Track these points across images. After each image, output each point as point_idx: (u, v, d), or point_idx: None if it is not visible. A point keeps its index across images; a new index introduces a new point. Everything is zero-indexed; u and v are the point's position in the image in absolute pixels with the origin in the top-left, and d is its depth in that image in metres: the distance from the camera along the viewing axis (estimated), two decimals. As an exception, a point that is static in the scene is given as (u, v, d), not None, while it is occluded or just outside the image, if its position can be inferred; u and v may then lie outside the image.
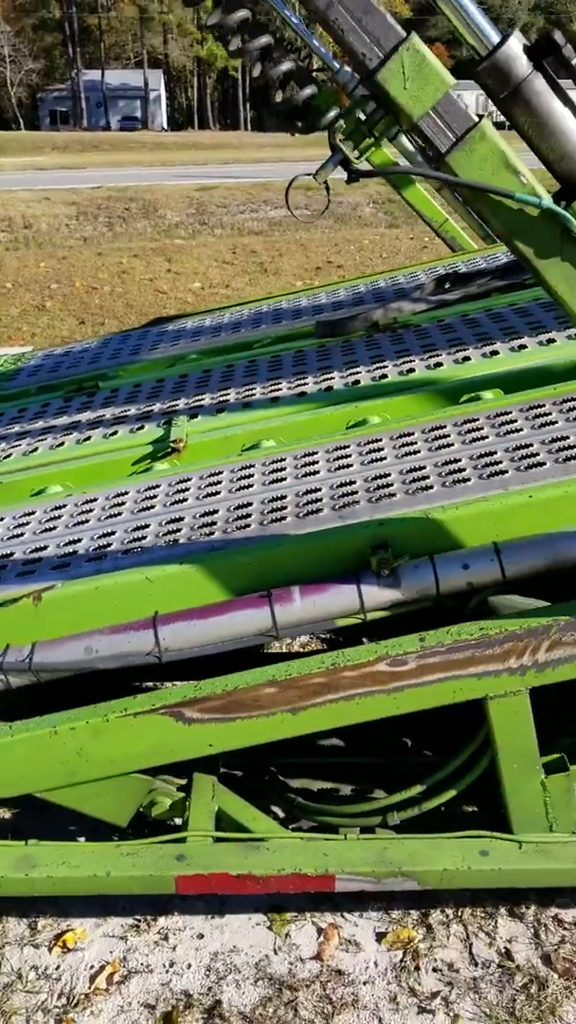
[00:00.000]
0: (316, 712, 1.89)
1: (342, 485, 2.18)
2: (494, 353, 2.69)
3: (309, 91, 1.71)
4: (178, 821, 2.11)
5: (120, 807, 2.07)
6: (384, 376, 2.72)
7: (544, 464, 2.05)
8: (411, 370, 2.72)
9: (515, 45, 1.34)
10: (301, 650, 3.01)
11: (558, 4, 67.59)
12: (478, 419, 2.32)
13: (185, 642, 1.91)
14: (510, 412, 2.31)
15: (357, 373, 2.79)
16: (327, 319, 3.31)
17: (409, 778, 2.14)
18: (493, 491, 2.00)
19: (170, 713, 1.87)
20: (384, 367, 2.78)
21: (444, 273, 3.51)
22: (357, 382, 2.72)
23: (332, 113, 1.39)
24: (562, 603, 1.92)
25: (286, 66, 1.78)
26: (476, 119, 1.38)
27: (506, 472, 2.06)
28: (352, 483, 2.17)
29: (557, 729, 2.30)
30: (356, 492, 2.13)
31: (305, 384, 2.81)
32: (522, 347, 2.68)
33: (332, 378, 2.80)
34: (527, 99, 1.36)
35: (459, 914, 2.15)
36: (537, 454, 2.10)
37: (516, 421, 2.26)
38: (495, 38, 1.35)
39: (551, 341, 2.66)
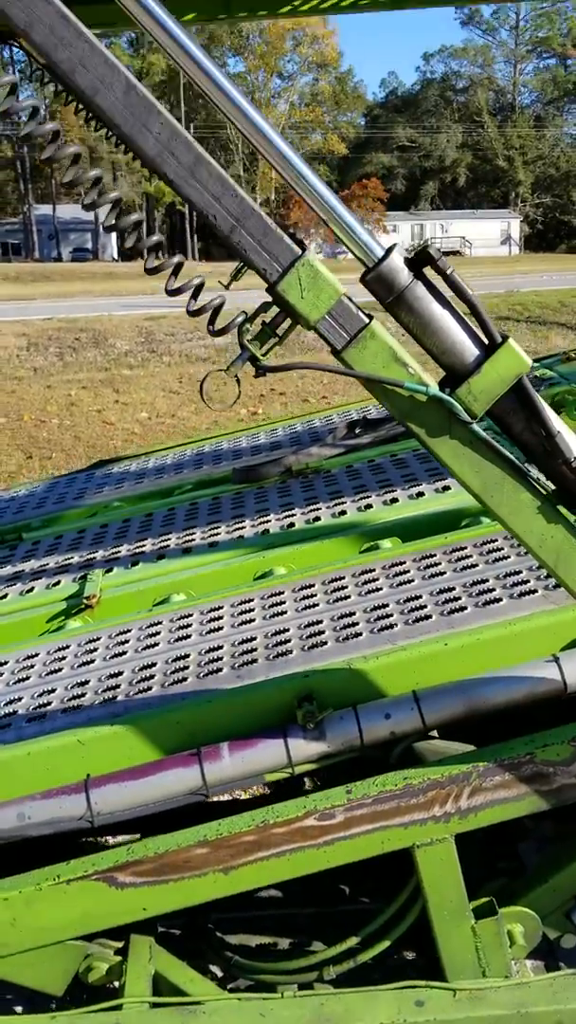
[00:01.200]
0: (248, 870, 1.91)
1: (243, 642, 2.24)
2: (394, 500, 2.84)
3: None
4: (117, 985, 2.09)
5: (55, 975, 2.04)
6: (292, 524, 2.84)
7: (431, 617, 2.15)
8: (317, 518, 2.85)
9: (397, 259, 1.51)
10: (241, 795, 3.01)
11: (483, 142, 72.45)
12: (375, 569, 2.44)
13: (117, 805, 1.93)
14: (404, 562, 2.43)
15: (267, 521, 2.91)
16: (244, 465, 3.44)
17: (347, 928, 2.15)
18: (381, 643, 2.09)
19: (103, 879, 1.88)
20: (293, 515, 2.91)
21: (355, 418, 3.70)
22: (267, 531, 2.84)
23: (239, 318, 1.53)
24: (483, 748, 2.00)
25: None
26: (367, 320, 1.54)
27: (395, 625, 2.16)
28: (253, 639, 2.25)
29: (486, 872, 2.34)
30: (255, 649, 2.20)
31: (218, 533, 2.92)
32: (420, 494, 2.84)
33: (244, 527, 2.91)
34: (410, 304, 1.52)
35: (401, 1070, 2.13)
36: (425, 605, 2.20)
37: (409, 571, 2.38)
38: (379, 252, 1.52)
39: (446, 488, 2.82)
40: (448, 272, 1.50)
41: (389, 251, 1.52)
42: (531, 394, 1.58)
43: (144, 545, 2.96)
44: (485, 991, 2.02)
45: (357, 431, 3.46)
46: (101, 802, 1.93)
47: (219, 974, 2.23)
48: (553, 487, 1.68)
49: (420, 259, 1.51)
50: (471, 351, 1.56)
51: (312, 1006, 2.00)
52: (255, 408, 9.61)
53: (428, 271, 1.54)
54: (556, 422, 1.61)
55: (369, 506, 2.84)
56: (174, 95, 62.66)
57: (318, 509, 2.91)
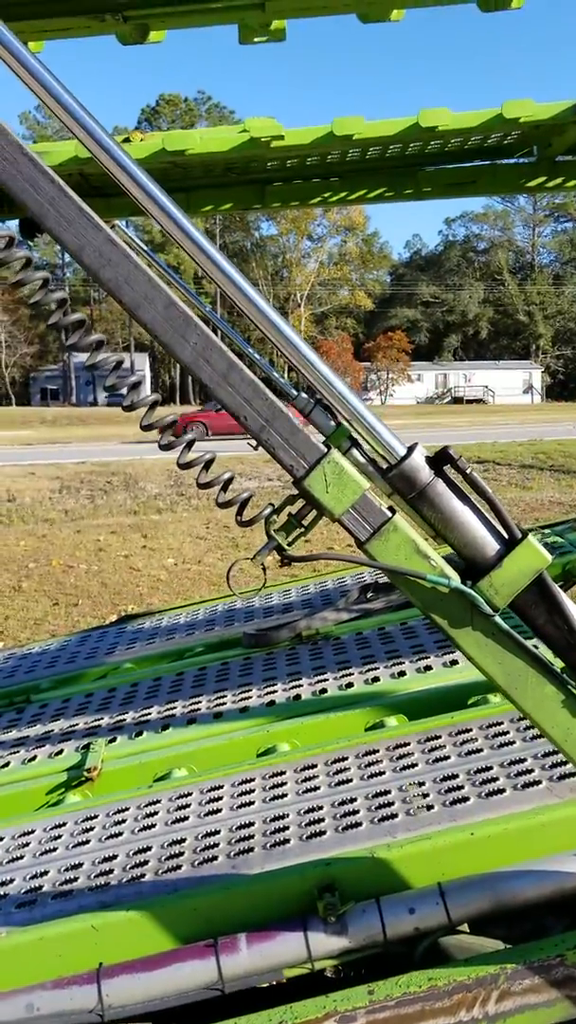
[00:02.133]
0: (263, 1080, 1.81)
1: (241, 828, 2.19)
2: (402, 674, 2.82)
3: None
4: None
5: None
6: (298, 696, 2.81)
7: (434, 807, 2.11)
8: (323, 690, 2.82)
9: (418, 457, 1.57)
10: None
11: (504, 298, 75.51)
12: (378, 750, 2.40)
13: (129, 998, 1.85)
14: (408, 743, 2.39)
15: (274, 691, 2.89)
16: (253, 630, 3.44)
17: None
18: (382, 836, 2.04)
19: None
20: (300, 685, 2.89)
21: (368, 582, 3.73)
22: (273, 702, 2.81)
23: (267, 511, 1.59)
24: (512, 948, 1.92)
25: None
26: (389, 515, 1.59)
27: (397, 815, 2.11)
28: (251, 824, 2.19)
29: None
30: (253, 836, 2.14)
31: (224, 702, 2.89)
32: (428, 667, 2.82)
33: (250, 696, 2.89)
34: (431, 500, 1.57)
35: None
36: (428, 794, 2.16)
37: (413, 754, 2.35)
38: (401, 451, 1.58)
39: (454, 662, 2.81)
40: (467, 471, 1.55)
41: (411, 450, 1.58)
42: (552, 588, 1.60)
43: (150, 712, 2.94)
44: None
45: (369, 595, 3.48)
46: (112, 995, 1.85)
47: None
48: (577, 679, 1.67)
49: (440, 458, 1.57)
50: (492, 546, 1.59)
51: None
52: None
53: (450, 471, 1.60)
54: (577, 615, 1.62)
55: (376, 679, 2.83)
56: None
57: (325, 680, 2.89)
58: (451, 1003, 1.82)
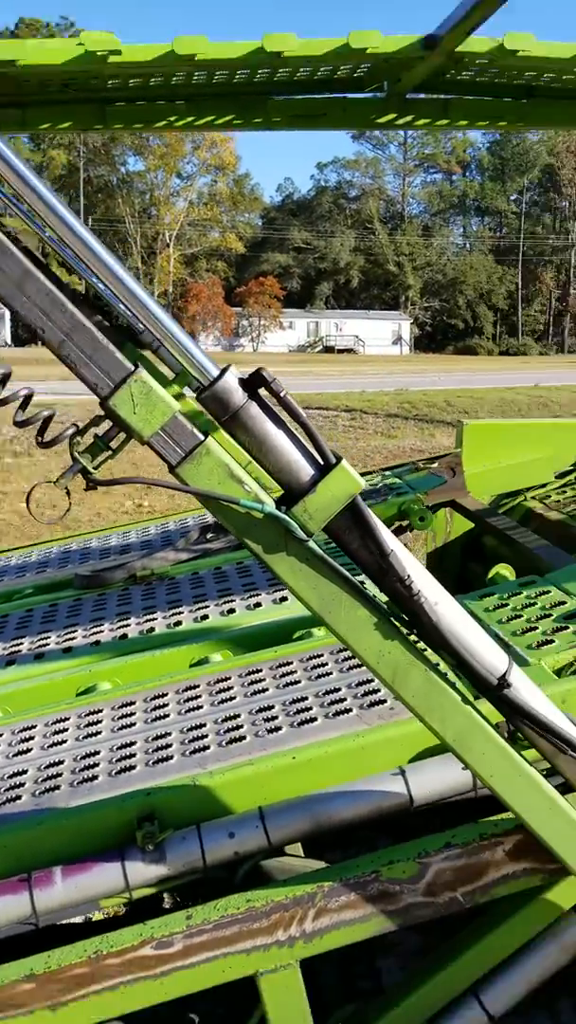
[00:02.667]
0: (79, 1006, 1.79)
1: (50, 766, 2.16)
2: (231, 611, 2.83)
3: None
4: None
5: None
6: (125, 636, 2.78)
7: (246, 738, 2.13)
8: (151, 629, 2.80)
9: (231, 379, 1.53)
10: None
11: (375, 247, 76.04)
12: (199, 685, 2.41)
13: None
14: (229, 678, 2.41)
15: (100, 632, 2.84)
16: (87, 571, 3.37)
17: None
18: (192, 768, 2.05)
19: None
20: (128, 625, 2.86)
21: (210, 522, 3.71)
22: (98, 642, 2.77)
23: (69, 431, 1.51)
24: (330, 866, 1.96)
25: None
26: (201, 437, 1.55)
27: (208, 748, 2.12)
28: (60, 763, 2.17)
29: (345, 993, 2.27)
30: (61, 774, 2.12)
31: (47, 643, 2.83)
32: (257, 604, 2.85)
33: (75, 636, 2.84)
34: (244, 422, 1.54)
35: None
36: (242, 725, 2.18)
37: (232, 688, 2.37)
38: (214, 372, 1.54)
39: (284, 599, 2.84)
40: (282, 394, 1.52)
41: (224, 371, 1.54)
42: (365, 513, 1.60)
43: None
44: None
45: (209, 536, 3.46)
46: None
47: None
48: (389, 604, 1.70)
49: (254, 380, 1.53)
50: (306, 470, 1.58)
51: None
52: (141, 500, 9.55)
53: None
54: (390, 541, 1.63)
55: (206, 616, 2.83)
56: (73, 189, 63.73)
57: (154, 619, 2.86)
58: (269, 923, 1.85)
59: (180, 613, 2.86)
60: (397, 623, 1.69)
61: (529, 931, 2.05)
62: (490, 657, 1.72)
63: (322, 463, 1.59)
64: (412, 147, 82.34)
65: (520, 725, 1.77)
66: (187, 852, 1.90)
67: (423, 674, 1.70)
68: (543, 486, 4.54)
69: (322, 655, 2.44)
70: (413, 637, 1.72)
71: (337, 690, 2.26)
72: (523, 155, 79.63)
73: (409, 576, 1.64)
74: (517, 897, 1.99)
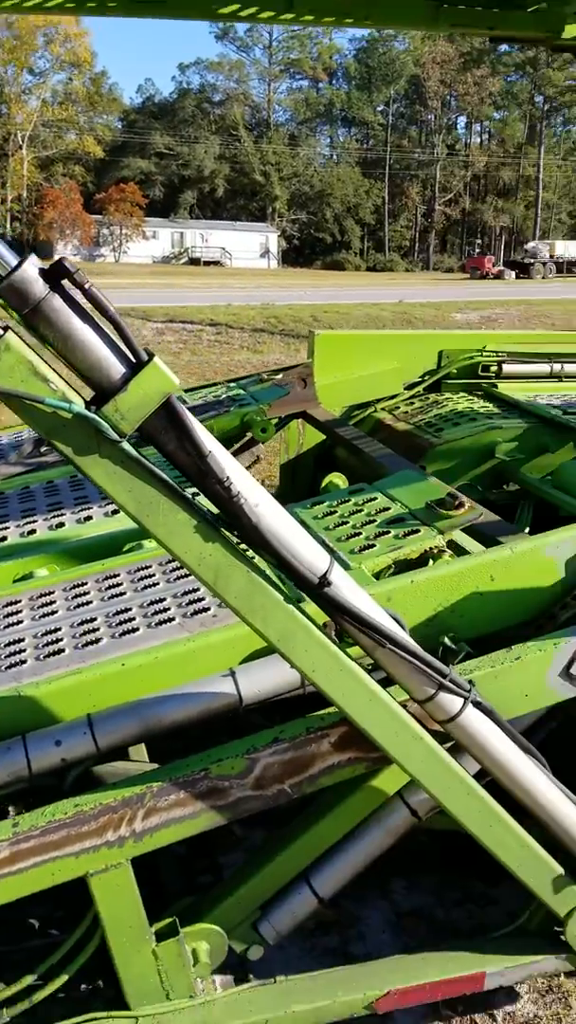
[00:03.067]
0: None
1: None
2: (60, 525, 2.80)
3: None
4: None
5: None
6: None
7: (64, 650, 2.12)
8: None
9: (30, 269, 1.44)
10: None
11: (240, 155, 73.98)
12: (20, 600, 2.38)
13: None
14: (53, 592, 2.39)
15: None
16: None
17: (31, 964, 2.05)
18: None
19: None
20: None
21: (39, 438, 3.60)
22: None
23: None
24: (159, 767, 1.98)
25: None
26: (0, 332, 1.46)
27: (26, 661, 2.10)
28: None
29: (186, 888, 2.33)
30: None
31: None
32: (88, 518, 2.81)
33: None
34: (47, 316, 1.46)
35: None
36: (61, 639, 2.17)
37: (56, 602, 2.35)
38: (12, 261, 1.45)
39: (115, 512, 2.82)
40: (86, 286, 1.45)
41: (23, 260, 1.45)
42: (180, 413, 1.57)
43: None
44: (167, 1014, 2.01)
45: (43, 449, 3.36)
46: None
47: None
48: (210, 507, 1.68)
49: (57, 271, 1.45)
50: (116, 368, 1.52)
51: (-18, 1056, 1.89)
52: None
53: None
54: (209, 442, 1.61)
55: (33, 531, 2.76)
56: None
57: None
58: (97, 825, 1.86)
59: (6, 528, 2.78)
60: (218, 526, 1.68)
61: (355, 818, 2.15)
62: (311, 557, 1.74)
63: (134, 361, 1.53)
64: (277, 51, 79.75)
65: (342, 622, 1.81)
66: (11, 762, 1.88)
67: (245, 575, 1.71)
68: (392, 397, 4.61)
69: (150, 566, 2.43)
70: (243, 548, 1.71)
71: (162, 600, 2.26)
72: (389, 64, 78.48)
73: (228, 477, 1.63)
74: (343, 786, 2.08)
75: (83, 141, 65.16)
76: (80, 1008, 2.02)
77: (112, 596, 2.30)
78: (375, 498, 2.75)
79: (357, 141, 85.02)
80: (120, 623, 2.17)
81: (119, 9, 3.52)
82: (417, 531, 2.47)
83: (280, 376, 4.12)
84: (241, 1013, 2.04)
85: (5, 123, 60.99)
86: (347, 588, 1.80)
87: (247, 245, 69.71)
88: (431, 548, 2.40)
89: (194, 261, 64.43)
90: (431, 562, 2.35)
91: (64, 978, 1.99)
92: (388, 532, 2.48)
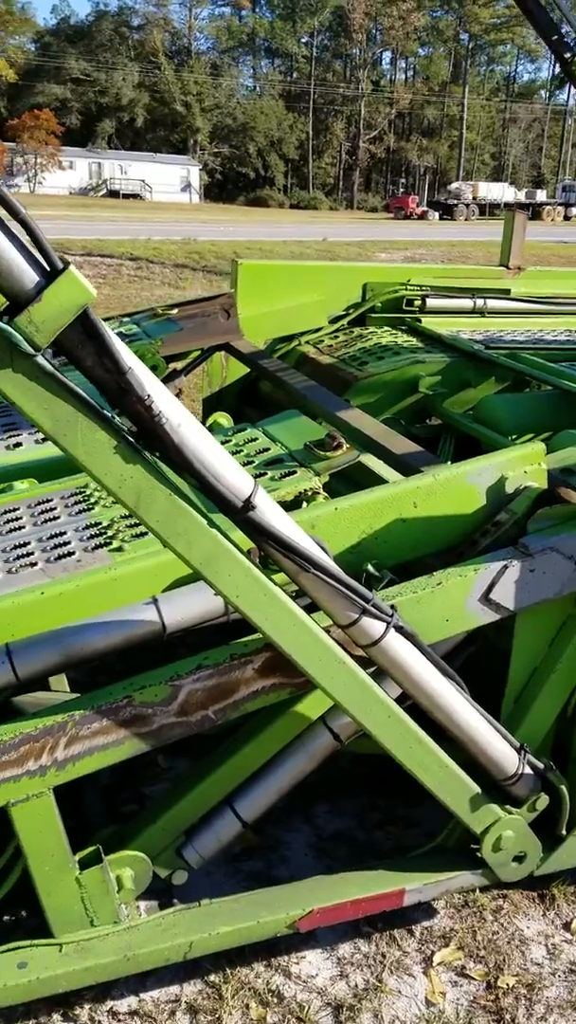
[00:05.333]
0: None
1: None
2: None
3: None
4: None
5: None
6: None
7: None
8: None
9: None
10: None
11: (160, 84, 71.49)
12: None
13: None
14: None
15: None
16: None
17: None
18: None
19: None
20: None
21: None
22: None
23: None
24: (81, 695, 1.94)
25: None
26: None
27: None
28: None
29: (110, 818, 2.32)
30: None
31: None
32: (17, 444, 2.74)
33: None
34: (-46, 219, 1.37)
35: (9, 1033, 2.06)
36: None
37: None
38: None
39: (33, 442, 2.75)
40: (-5, 186, 1.36)
41: None
42: (98, 326, 1.50)
43: None
44: (92, 940, 2.00)
45: None
46: None
47: None
48: (130, 426, 1.63)
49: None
50: (30, 276, 1.44)
51: None
52: None
53: None
54: (128, 358, 1.55)
55: None
56: None
57: None
58: (18, 755, 1.82)
59: None
60: (139, 447, 1.63)
61: (279, 743, 2.16)
62: (235, 480, 1.70)
63: (48, 269, 1.45)
64: (199, -25, 76.87)
65: (265, 546, 1.78)
66: None
67: (167, 498, 1.66)
68: (317, 331, 4.56)
69: (18, 508, 2.38)
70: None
71: (26, 544, 2.21)
72: (314, -7, 76.52)
73: (149, 396, 1.57)
74: (266, 711, 2.08)
75: (-6, 62, 62.01)
76: (2, 939, 2.00)
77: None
78: (256, 438, 2.72)
79: (281, 73, 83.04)
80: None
81: None
82: (294, 472, 2.46)
83: (175, 311, 4.01)
84: (165, 937, 2.05)
85: None
86: (271, 512, 1.77)
87: (168, 178, 67.84)
88: (306, 490, 2.38)
89: (113, 193, 62.49)
90: (304, 504, 2.34)
91: (-15, 908, 1.96)
92: (265, 473, 2.45)
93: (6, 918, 2.18)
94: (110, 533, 2.20)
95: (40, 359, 1.50)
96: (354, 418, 3.07)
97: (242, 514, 1.72)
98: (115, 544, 2.15)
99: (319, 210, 66.31)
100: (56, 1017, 2.11)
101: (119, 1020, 2.12)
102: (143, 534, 2.19)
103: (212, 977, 2.27)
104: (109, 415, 1.60)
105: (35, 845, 1.89)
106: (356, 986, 2.28)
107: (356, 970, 2.33)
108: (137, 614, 1.97)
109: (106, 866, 1.99)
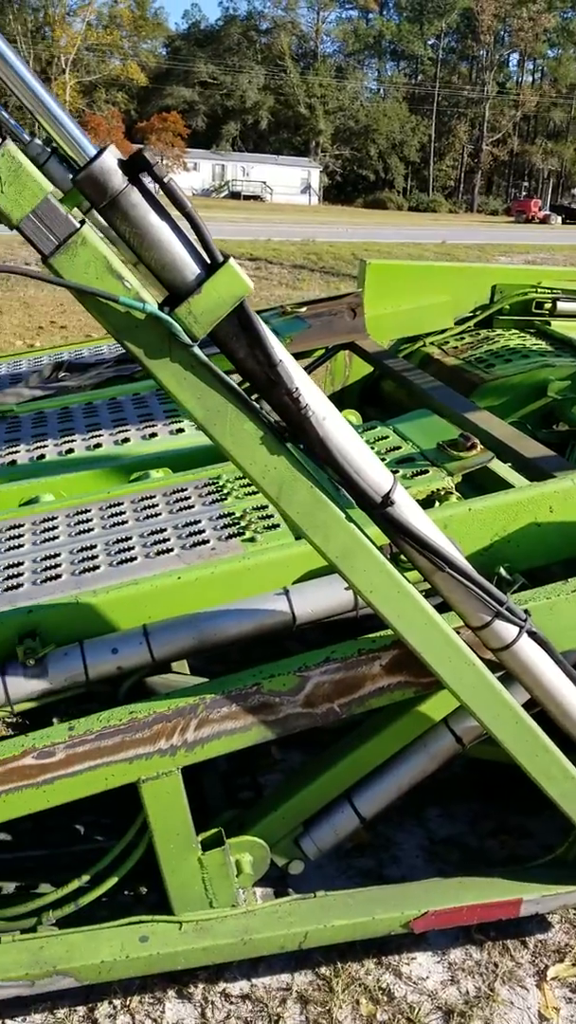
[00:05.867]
0: (-41, 813, 1.81)
1: None
2: (70, 451, 2.82)
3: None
4: None
5: None
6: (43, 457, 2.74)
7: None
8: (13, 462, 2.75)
9: (109, 159, 1.40)
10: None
11: (285, 87, 72.16)
12: (22, 524, 2.40)
13: None
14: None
15: None
16: None
17: (78, 868, 2.09)
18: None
19: None
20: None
21: (60, 360, 3.59)
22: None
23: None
24: (212, 680, 1.99)
25: None
26: (77, 225, 1.43)
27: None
28: None
29: (227, 803, 2.36)
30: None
31: None
32: (98, 445, 2.85)
33: None
34: (124, 210, 1.42)
35: (127, 1003, 2.12)
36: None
37: (58, 528, 2.37)
38: (91, 150, 1.41)
39: (126, 440, 2.84)
40: (165, 180, 1.41)
41: (103, 150, 1.40)
42: (252, 319, 1.53)
43: None
44: (211, 921, 2.04)
45: (61, 375, 3.34)
46: None
47: None
48: (277, 418, 1.65)
49: (136, 163, 1.41)
50: (192, 269, 1.48)
51: (31, 949, 1.95)
52: (32, 341, 9.15)
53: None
54: (279, 350, 1.57)
55: (43, 456, 2.79)
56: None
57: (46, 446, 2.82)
58: (151, 733, 1.87)
59: (16, 452, 2.81)
60: (284, 438, 1.65)
61: (401, 741, 2.16)
62: (375, 475, 1.71)
63: (209, 262, 1.49)
64: (328, -23, 77.16)
65: (401, 543, 1.78)
66: (69, 667, 1.89)
67: (308, 490, 1.68)
68: (442, 332, 4.51)
69: (154, 496, 2.44)
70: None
71: (163, 530, 2.27)
72: (443, -5, 75.80)
73: (297, 388, 1.59)
74: (391, 709, 2.08)
75: (127, 67, 63.78)
76: (124, 912, 2.06)
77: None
78: (387, 436, 2.70)
79: (405, 76, 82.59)
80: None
81: None
82: (426, 471, 2.43)
83: (304, 309, 4.04)
84: (282, 924, 2.07)
85: (49, 46, 59.75)
86: (409, 509, 1.77)
87: (288, 180, 68.41)
88: (438, 489, 2.35)
89: (234, 195, 63.42)
90: (437, 504, 2.31)
91: (112, 881, 2.03)
92: (397, 471, 2.44)
93: (126, 893, 2.24)
94: (243, 524, 2.24)
95: (196, 349, 1.54)
96: (482, 420, 3.03)
97: (381, 509, 1.73)
98: (248, 535, 2.19)
99: (438, 212, 65.64)
100: (171, 993, 2.16)
101: (231, 1002, 2.15)
102: (275, 526, 2.22)
103: (323, 969, 2.28)
104: (256, 406, 1.63)
105: (162, 823, 1.94)
106: (467, 993, 2.26)
107: (467, 977, 2.30)
108: (269, 604, 2.00)
109: (227, 849, 2.03)
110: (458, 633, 1.91)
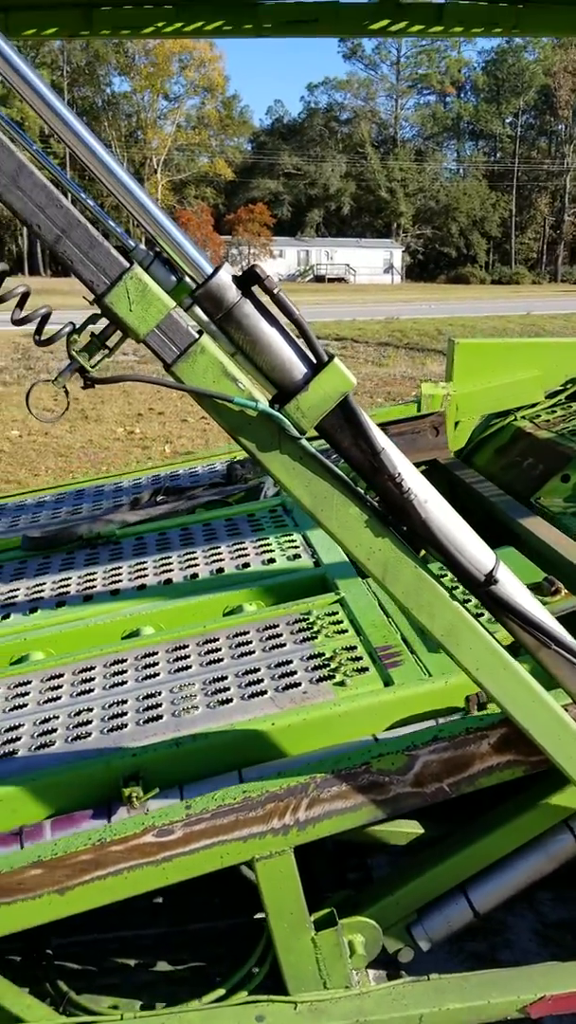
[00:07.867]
0: (84, 890, 1.87)
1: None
2: (142, 587, 2.90)
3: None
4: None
5: None
6: (62, 603, 2.83)
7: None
8: (90, 597, 2.86)
9: (225, 276, 1.53)
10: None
11: (366, 172, 74.34)
12: (125, 659, 2.47)
13: None
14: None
15: (41, 593, 2.91)
16: (36, 532, 3.39)
17: (194, 946, 2.14)
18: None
19: None
20: (67, 588, 2.93)
21: (158, 486, 3.76)
22: (35, 609, 2.82)
23: (66, 328, 1.52)
24: (323, 758, 2.03)
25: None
26: (196, 336, 1.56)
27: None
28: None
29: (336, 883, 2.37)
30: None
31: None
32: (194, 576, 2.94)
33: (30, 595, 2.92)
34: (238, 321, 1.55)
35: None
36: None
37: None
38: (208, 269, 1.55)
39: (220, 571, 2.94)
40: (275, 292, 1.53)
41: (218, 268, 1.54)
42: (356, 411, 1.63)
43: None
44: (325, 1002, 2.05)
45: (158, 499, 3.50)
46: None
47: (58, 1000, 2.17)
48: (380, 502, 1.73)
49: (248, 278, 1.54)
50: (299, 369, 1.60)
51: (151, 1027, 1.98)
52: (132, 427, 9.53)
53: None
54: (381, 439, 1.66)
55: (144, 586, 2.89)
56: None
57: (94, 586, 2.93)
58: (264, 812, 1.93)
59: (120, 580, 2.94)
60: (388, 522, 1.73)
61: (520, 839, 2.15)
62: (477, 554, 1.76)
63: (315, 361, 1.60)
64: (405, 67, 79.94)
65: (506, 620, 1.82)
66: None
67: (413, 570, 1.74)
68: (533, 405, 4.55)
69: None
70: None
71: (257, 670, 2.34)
72: (519, 75, 77.38)
73: (400, 474, 1.67)
74: (511, 807, 2.09)
75: (215, 164, 66.87)
76: (236, 991, 2.09)
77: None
78: None
79: (484, 154, 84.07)
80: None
81: (274, 31, 3.65)
82: None
83: (389, 428, 4.13)
84: (396, 1007, 2.06)
85: (142, 149, 63.22)
86: (513, 587, 1.81)
87: (371, 261, 69.90)
88: None
89: (319, 278, 65.10)
90: (521, 651, 2.30)
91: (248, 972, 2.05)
92: (482, 614, 2.40)
93: (241, 973, 2.26)
94: (333, 665, 2.29)
95: (304, 441, 1.64)
96: (553, 539, 3.05)
97: (485, 587, 1.77)
98: (338, 678, 2.23)
99: (520, 284, 65.84)
100: (287, 1076, 2.15)
101: None
102: (364, 669, 2.26)
103: (438, 1057, 2.23)
104: (361, 492, 1.72)
105: (276, 902, 1.98)
106: None
107: (589, 1069, 2.23)
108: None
109: (340, 929, 2.04)
110: (566, 710, 1.91)
